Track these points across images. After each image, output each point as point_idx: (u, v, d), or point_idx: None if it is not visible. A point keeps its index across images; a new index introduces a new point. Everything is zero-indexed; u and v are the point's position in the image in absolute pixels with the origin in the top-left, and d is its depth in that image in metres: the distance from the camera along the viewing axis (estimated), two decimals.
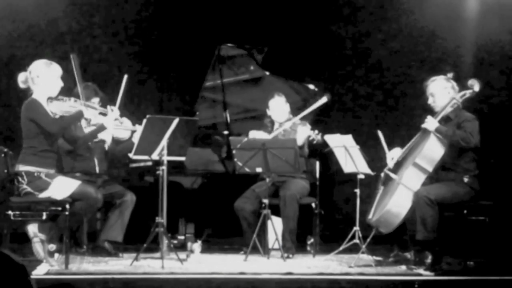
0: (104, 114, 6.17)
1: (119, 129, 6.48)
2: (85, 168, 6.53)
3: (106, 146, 6.62)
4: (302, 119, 6.98)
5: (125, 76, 6.27)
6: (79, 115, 6.01)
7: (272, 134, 6.99)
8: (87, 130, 6.43)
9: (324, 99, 6.97)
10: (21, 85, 6.01)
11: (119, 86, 6.21)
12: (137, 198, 6.59)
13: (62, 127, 5.96)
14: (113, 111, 6.19)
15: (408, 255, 6.31)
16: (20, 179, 5.89)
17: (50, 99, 5.92)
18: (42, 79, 5.95)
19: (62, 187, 5.92)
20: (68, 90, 6.11)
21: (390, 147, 6.42)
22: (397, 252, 6.37)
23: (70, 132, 6.19)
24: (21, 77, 6.01)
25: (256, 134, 7.02)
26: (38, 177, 5.89)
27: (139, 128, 6.23)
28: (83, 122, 6.43)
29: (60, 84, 6.01)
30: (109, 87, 6.96)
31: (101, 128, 6.21)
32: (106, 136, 6.56)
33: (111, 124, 6.18)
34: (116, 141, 6.58)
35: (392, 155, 6.35)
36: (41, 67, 5.98)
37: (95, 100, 6.55)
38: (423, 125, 6.18)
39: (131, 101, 7.64)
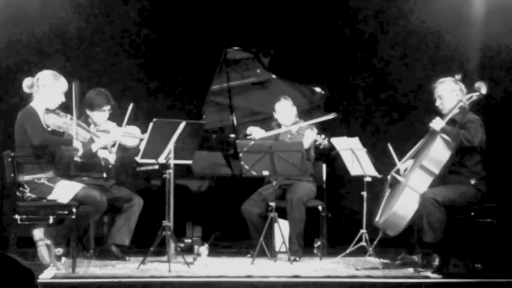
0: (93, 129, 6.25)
1: (127, 137, 6.51)
2: (93, 173, 6.55)
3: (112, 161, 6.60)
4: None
5: (131, 105, 6.33)
6: (67, 142, 6.02)
7: (269, 132, 7.00)
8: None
9: (332, 115, 7.01)
10: (25, 90, 6.04)
11: (122, 105, 6.29)
12: (144, 202, 6.60)
13: (44, 143, 5.95)
14: (106, 136, 6.34)
15: (416, 258, 6.29)
16: (22, 188, 5.92)
17: (47, 110, 5.95)
18: (47, 89, 5.99)
19: (65, 190, 5.95)
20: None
21: (398, 151, 6.40)
22: (405, 255, 6.36)
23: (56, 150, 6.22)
24: (27, 81, 6.04)
25: (253, 130, 7.03)
26: (40, 183, 5.93)
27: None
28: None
29: (62, 99, 6.05)
30: (114, 92, 6.97)
31: (88, 152, 6.31)
32: (109, 156, 6.54)
33: (97, 148, 6.35)
34: (124, 149, 6.60)
35: (406, 165, 6.33)
36: (49, 77, 6.03)
37: (106, 108, 6.58)
38: (430, 124, 6.17)
39: (137, 106, 7.65)
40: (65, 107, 6.09)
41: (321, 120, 7.07)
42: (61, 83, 6.05)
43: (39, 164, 5.97)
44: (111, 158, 6.50)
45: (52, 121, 5.95)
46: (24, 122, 5.96)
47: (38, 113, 5.97)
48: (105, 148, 6.43)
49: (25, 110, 6.03)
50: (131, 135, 6.54)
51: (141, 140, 6.47)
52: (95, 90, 6.65)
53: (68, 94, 6.05)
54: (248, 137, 6.98)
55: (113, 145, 6.46)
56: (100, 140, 6.35)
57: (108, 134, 6.43)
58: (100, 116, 6.58)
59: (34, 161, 5.95)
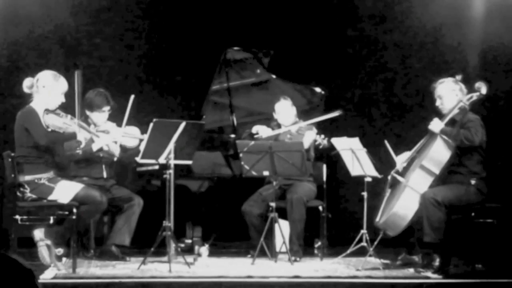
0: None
1: (127, 137, 6.51)
2: (93, 173, 6.55)
3: (115, 158, 6.62)
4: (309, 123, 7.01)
5: (132, 97, 6.31)
6: (71, 137, 6.02)
7: (276, 131, 7.01)
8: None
9: (336, 113, 7.01)
10: (25, 90, 6.05)
11: (122, 101, 6.27)
12: (144, 202, 6.60)
13: (51, 141, 5.96)
14: (106, 136, 6.34)
15: (416, 258, 6.29)
16: (22, 188, 5.92)
17: (47, 111, 5.95)
18: (47, 90, 6.00)
19: (66, 191, 5.95)
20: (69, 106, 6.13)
21: (398, 151, 6.40)
22: (405, 255, 6.36)
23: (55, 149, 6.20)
24: (26, 82, 6.05)
25: (259, 129, 7.03)
26: (41, 183, 5.93)
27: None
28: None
29: (62, 99, 6.06)
30: (113, 92, 6.97)
31: (89, 151, 6.33)
32: (114, 149, 6.55)
33: (97, 148, 6.35)
34: (124, 149, 6.60)
35: (402, 159, 6.34)
36: (49, 78, 6.03)
37: (106, 109, 6.58)
38: (429, 127, 6.18)
39: (138, 106, 7.65)
40: (68, 96, 6.07)
41: (324, 118, 7.05)
42: (61, 84, 6.05)
43: (40, 164, 5.97)
44: (116, 151, 6.49)
45: (52, 122, 5.95)
46: (25, 123, 5.96)
47: (38, 113, 5.96)
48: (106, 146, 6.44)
49: (25, 110, 6.03)
50: (131, 136, 6.54)
51: (141, 140, 6.47)
52: (95, 90, 6.66)
53: (71, 85, 6.03)
54: (255, 136, 6.98)
55: (115, 142, 6.47)
56: (100, 140, 6.35)
57: (108, 134, 6.43)
58: (100, 116, 6.58)
59: (34, 161, 5.95)
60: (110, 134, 6.44)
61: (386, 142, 6.40)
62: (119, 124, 6.52)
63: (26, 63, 7.81)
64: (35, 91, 6.02)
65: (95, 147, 6.36)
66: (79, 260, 6.11)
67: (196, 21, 8.17)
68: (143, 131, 6.41)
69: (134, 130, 6.56)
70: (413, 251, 6.32)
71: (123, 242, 6.48)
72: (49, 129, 5.97)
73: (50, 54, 7.97)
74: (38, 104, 6.00)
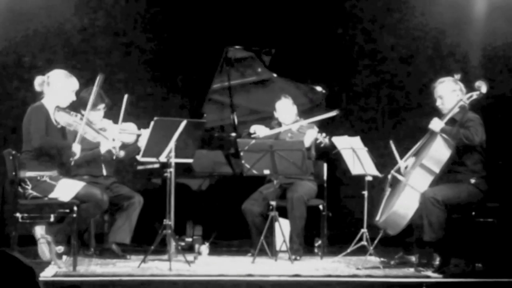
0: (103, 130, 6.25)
1: (124, 133, 6.50)
2: (93, 171, 6.56)
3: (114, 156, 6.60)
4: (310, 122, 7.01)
5: (126, 96, 6.30)
6: (66, 147, 6.02)
7: (273, 130, 7.01)
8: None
9: (334, 112, 7.02)
10: (37, 88, 6.07)
11: (122, 100, 6.27)
12: (145, 200, 6.60)
13: (43, 145, 5.95)
14: (112, 140, 6.32)
15: (413, 258, 6.28)
16: (24, 184, 5.92)
17: (58, 108, 5.97)
18: (59, 87, 6.02)
19: (67, 189, 5.96)
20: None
21: (398, 152, 6.39)
22: (402, 255, 6.36)
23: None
24: (38, 80, 6.08)
25: (257, 128, 7.04)
26: (42, 181, 5.93)
27: (145, 132, 6.26)
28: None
29: (73, 98, 6.10)
30: (114, 90, 6.97)
31: (95, 155, 6.36)
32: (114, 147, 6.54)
33: (104, 151, 6.36)
34: (122, 146, 6.60)
35: (407, 163, 6.33)
36: (61, 76, 6.08)
37: (101, 107, 6.57)
38: (429, 126, 6.18)
39: (138, 104, 7.66)
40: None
41: (322, 117, 7.07)
42: (72, 83, 6.10)
43: (44, 162, 5.96)
44: (116, 148, 6.49)
45: (63, 119, 5.97)
46: (31, 119, 5.97)
47: (49, 110, 5.99)
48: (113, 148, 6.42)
49: (35, 106, 6.05)
50: (128, 132, 6.53)
51: (138, 136, 6.47)
52: (89, 89, 6.62)
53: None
54: (252, 136, 6.98)
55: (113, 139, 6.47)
56: (107, 143, 6.31)
57: (105, 132, 6.39)
58: (95, 115, 6.56)
59: (39, 158, 5.96)
60: (107, 131, 6.43)
61: (391, 142, 6.39)
62: (115, 122, 6.51)
63: (26, 63, 7.80)
64: (47, 87, 6.04)
65: (103, 149, 6.35)
66: (80, 258, 6.12)
67: (198, 20, 8.17)
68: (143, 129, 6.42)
69: (131, 126, 6.56)
70: (410, 250, 6.32)
71: (123, 240, 6.48)
72: (59, 126, 6.00)
73: (53, 51, 7.96)
74: (49, 101, 6.03)
